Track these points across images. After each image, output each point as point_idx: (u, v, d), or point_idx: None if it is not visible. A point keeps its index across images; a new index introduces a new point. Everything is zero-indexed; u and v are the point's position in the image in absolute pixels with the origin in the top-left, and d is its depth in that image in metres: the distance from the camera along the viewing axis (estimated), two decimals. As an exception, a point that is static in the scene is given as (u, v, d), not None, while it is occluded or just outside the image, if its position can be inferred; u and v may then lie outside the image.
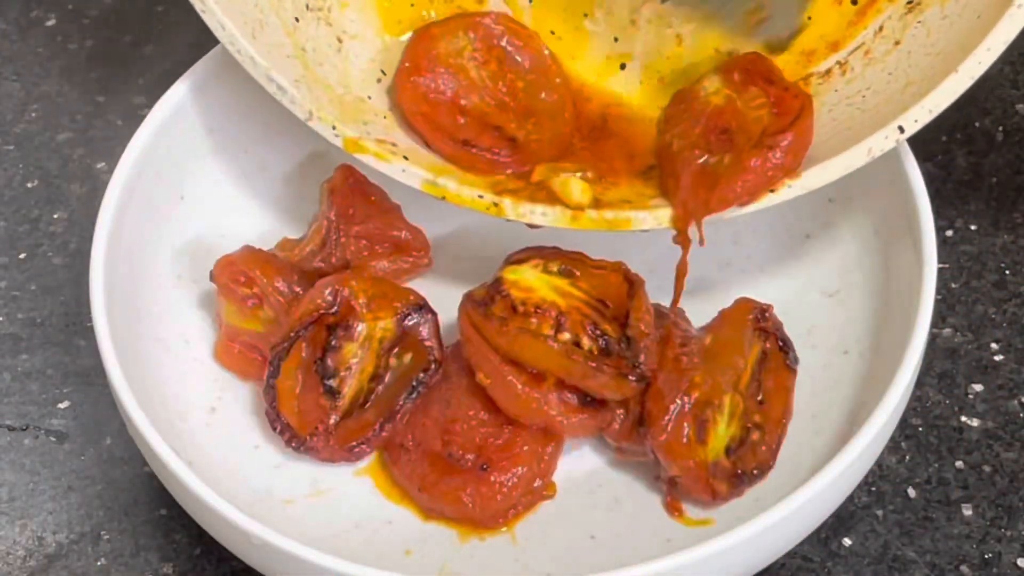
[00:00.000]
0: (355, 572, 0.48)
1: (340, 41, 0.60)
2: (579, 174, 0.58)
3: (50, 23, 0.79)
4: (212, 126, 0.62)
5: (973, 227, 0.67)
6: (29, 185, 0.71)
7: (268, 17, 0.57)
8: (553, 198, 0.57)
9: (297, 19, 0.58)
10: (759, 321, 0.57)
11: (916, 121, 0.53)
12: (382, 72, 0.60)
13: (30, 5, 0.80)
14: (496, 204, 0.57)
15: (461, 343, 0.57)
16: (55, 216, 0.70)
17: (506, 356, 0.55)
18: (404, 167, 0.57)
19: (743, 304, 0.58)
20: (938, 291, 0.57)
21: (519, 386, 0.55)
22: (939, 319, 0.64)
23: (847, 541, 0.57)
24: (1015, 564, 0.56)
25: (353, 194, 0.60)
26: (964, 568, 0.56)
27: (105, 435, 0.61)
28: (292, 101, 0.57)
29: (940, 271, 0.61)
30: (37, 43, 0.78)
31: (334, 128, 0.57)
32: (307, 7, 0.59)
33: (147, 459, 0.54)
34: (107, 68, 0.77)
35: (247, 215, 0.63)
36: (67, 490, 0.60)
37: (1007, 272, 0.66)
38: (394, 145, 0.58)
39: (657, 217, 0.56)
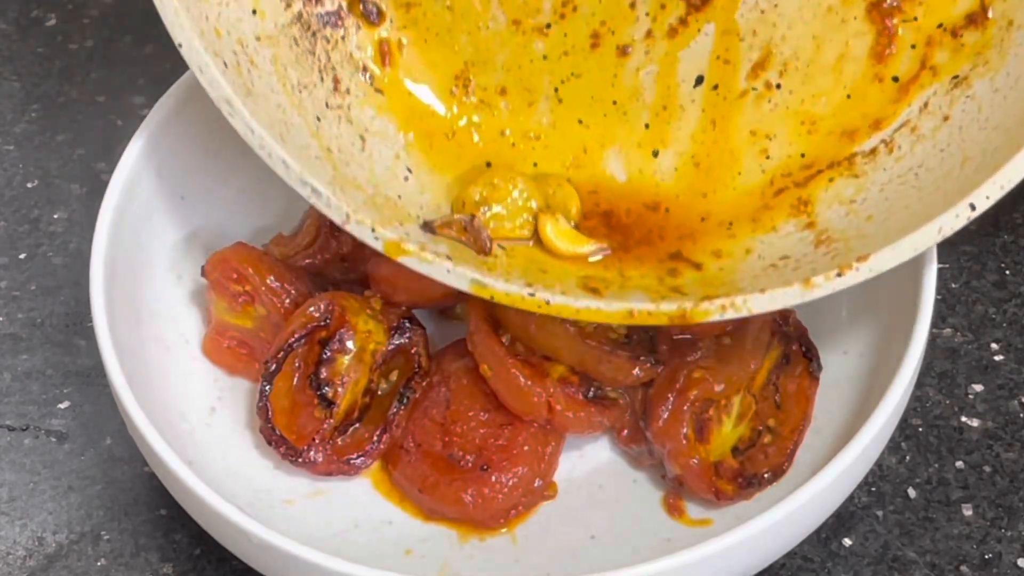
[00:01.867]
0: (355, 572, 0.48)
1: (363, 140, 0.57)
2: (595, 245, 0.57)
3: (50, 23, 0.79)
4: (212, 126, 0.62)
5: (973, 227, 0.67)
6: (29, 185, 0.71)
7: (291, 118, 0.55)
8: (598, 291, 0.54)
9: (319, 118, 0.56)
10: (780, 325, 0.57)
11: (988, 198, 0.50)
12: (408, 171, 0.58)
13: (30, 5, 0.80)
14: (547, 302, 0.53)
15: (467, 335, 0.57)
16: (55, 216, 0.70)
17: (512, 349, 0.56)
18: (449, 267, 0.53)
19: None
20: (938, 291, 0.57)
21: (522, 379, 0.55)
22: (939, 319, 0.64)
23: (847, 541, 0.57)
24: (1015, 564, 0.56)
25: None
26: (964, 568, 0.56)
27: (105, 435, 0.61)
28: (327, 204, 0.53)
29: (940, 271, 0.61)
30: (37, 43, 0.78)
31: (373, 231, 0.53)
32: (327, 104, 0.57)
33: (147, 459, 0.54)
34: (107, 68, 0.77)
35: (246, 214, 0.63)
36: (67, 490, 0.60)
37: (1007, 272, 0.66)
38: (436, 245, 0.55)
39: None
